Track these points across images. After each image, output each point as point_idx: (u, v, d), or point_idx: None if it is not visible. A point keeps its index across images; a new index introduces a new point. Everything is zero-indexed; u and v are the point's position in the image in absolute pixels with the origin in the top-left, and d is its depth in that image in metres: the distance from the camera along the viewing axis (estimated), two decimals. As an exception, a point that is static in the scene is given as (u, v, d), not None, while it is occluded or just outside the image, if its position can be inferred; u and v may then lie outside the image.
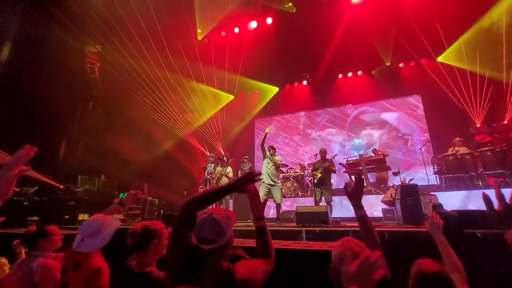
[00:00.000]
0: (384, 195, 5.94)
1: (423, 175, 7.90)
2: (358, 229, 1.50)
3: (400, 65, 10.54)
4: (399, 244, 3.05)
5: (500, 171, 5.83)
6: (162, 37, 8.66)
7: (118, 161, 8.21)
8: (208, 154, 9.61)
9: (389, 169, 7.58)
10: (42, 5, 6.85)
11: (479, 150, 6.28)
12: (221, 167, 6.28)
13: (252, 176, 1.45)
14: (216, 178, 6.08)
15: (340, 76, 11.52)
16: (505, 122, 7.48)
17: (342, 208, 6.85)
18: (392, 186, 5.84)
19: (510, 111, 7.56)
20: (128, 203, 2.61)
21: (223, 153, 9.79)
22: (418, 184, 5.02)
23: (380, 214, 5.87)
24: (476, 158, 6.21)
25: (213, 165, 8.33)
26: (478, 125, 7.73)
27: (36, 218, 5.67)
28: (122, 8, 7.34)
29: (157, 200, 8.59)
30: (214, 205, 6.01)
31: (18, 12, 7.13)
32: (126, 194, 7.59)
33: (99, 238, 1.95)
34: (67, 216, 5.91)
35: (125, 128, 8.86)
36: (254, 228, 1.49)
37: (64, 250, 2.16)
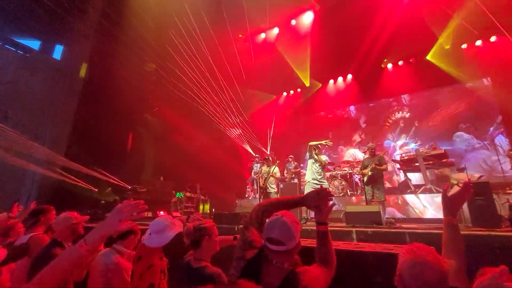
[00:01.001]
0: (447, 194, 5.33)
1: (497, 171, 6.85)
2: (443, 234, 1.35)
3: (463, 46, 9.26)
4: (467, 249, 2.74)
5: None
6: (205, 44, 9.21)
7: (174, 164, 9.05)
8: (254, 155, 9.87)
9: (453, 164, 6.77)
10: (110, 33, 7.97)
11: None
12: (267, 167, 6.41)
13: (325, 196, 1.45)
14: (263, 178, 6.23)
15: (389, 66, 10.64)
16: None
17: (407, 209, 6.35)
18: (457, 184, 5.22)
19: None
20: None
21: (268, 153, 9.95)
22: (491, 181, 4.40)
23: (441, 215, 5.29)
24: None
25: (259, 165, 8.56)
26: None
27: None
28: (170, 26, 8.10)
29: (209, 199, 9.18)
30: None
31: (92, 35, 8.45)
32: (182, 194, 8.25)
33: (163, 236, 2.21)
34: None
35: (179, 134, 9.69)
36: (316, 231, 1.46)
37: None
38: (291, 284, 1.14)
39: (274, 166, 6.34)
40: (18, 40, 9.18)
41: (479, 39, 8.85)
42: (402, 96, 10.55)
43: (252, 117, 12.17)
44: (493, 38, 8.54)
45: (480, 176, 6.28)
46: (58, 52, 9.71)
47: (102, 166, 7.69)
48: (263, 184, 6.20)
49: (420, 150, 7.02)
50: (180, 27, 8.18)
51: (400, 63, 10.46)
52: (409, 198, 6.35)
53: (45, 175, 6.89)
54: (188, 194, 8.90)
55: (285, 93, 12.96)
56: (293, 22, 10.14)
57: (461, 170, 6.60)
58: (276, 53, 10.28)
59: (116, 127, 8.37)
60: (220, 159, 10.86)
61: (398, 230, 3.69)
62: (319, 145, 5.68)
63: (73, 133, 7.71)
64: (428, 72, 9.59)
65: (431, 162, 6.79)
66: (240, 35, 10.64)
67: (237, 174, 11.23)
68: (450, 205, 1.36)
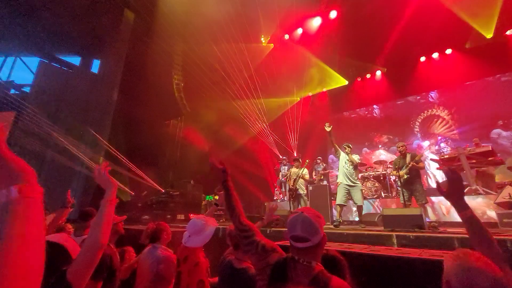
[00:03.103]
0: (497, 195, 4.88)
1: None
2: (467, 235, 1.23)
3: (508, 32, 8.44)
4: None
5: None
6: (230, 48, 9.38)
7: (203, 167, 9.31)
8: (281, 157, 9.80)
9: (502, 163, 6.15)
10: (140, 45, 8.51)
11: None
12: (296, 168, 6.33)
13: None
14: (292, 180, 6.16)
15: (422, 59, 10.01)
16: None
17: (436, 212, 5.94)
18: (510, 184, 4.74)
19: None
20: (222, 203, 2.99)
21: (295, 155, 9.82)
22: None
23: (492, 219, 4.89)
24: None
25: (286, 167, 8.48)
26: None
27: (147, 217, 6.94)
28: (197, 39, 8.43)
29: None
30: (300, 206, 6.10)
31: (125, 49, 9.06)
32: (211, 197, 8.46)
33: (202, 236, 2.30)
34: (169, 216, 7.04)
35: (207, 137, 9.96)
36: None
37: (174, 245, 2.61)
38: (320, 283, 1.10)
39: (303, 168, 6.24)
40: (61, 57, 10.12)
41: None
42: (430, 93, 9.86)
43: (278, 119, 12.11)
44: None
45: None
46: (95, 66, 10.56)
47: (139, 168, 8.14)
48: (292, 185, 6.12)
49: (463, 148, 6.47)
50: (205, 36, 8.46)
51: (435, 55, 9.80)
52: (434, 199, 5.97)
53: (88, 178, 7.47)
54: (217, 197, 9.06)
55: (310, 94, 12.75)
56: (318, 20, 9.96)
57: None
58: (301, 54, 10.17)
59: (150, 131, 8.83)
60: (246, 162, 10.95)
61: (444, 235, 3.41)
62: (350, 144, 5.50)
63: (111, 136, 8.30)
64: (469, 62, 8.89)
65: (474, 160, 6.23)
66: (262, 39, 10.69)
67: (262, 177, 11.23)
68: (452, 199, 1.25)
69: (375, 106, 11.27)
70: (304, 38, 10.23)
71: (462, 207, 1.22)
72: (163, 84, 8.97)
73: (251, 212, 9.26)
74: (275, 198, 9.40)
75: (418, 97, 10.18)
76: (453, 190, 1.24)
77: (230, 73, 9.47)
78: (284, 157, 9.26)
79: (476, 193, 5.78)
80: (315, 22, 10.02)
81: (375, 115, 11.27)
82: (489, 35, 8.41)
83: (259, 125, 11.16)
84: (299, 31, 10.39)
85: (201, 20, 8.51)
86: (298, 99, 12.57)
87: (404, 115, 10.38)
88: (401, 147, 5.56)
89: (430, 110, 9.81)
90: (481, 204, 5.47)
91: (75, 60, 10.66)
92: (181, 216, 7.08)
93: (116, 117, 8.77)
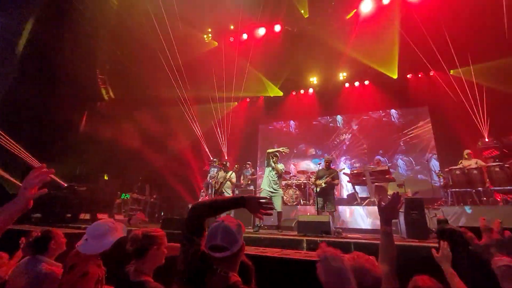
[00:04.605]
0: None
1: (428, 188, 7.79)
2: (379, 242, 1.48)
3: (408, 76, 10.47)
4: (403, 259, 2.95)
5: (509, 187, 5.68)
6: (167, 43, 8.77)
7: (122, 161, 8.28)
8: (212, 159, 9.59)
9: (393, 180, 7.48)
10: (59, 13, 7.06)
11: (487, 165, 6.15)
12: (224, 172, 6.26)
13: (267, 206, 1.43)
14: (219, 183, 6.06)
15: (347, 85, 11.46)
16: (514, 137, 7.31)
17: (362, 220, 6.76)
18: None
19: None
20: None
21: (226, 158, 9.77)
22: (423, 197, 4.92)
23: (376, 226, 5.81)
24: (484, 174, 6.07)
25: (215, 169, 8.31)
26: (487, 140, 7.58)
27: (38, 215, 5.70)
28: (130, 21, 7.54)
29: (157, 202, 8.60)
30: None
31: (34, 13, 7.37)
32: (128, 196, 7.56)
33: (102, 242, 1.91)
34: (69, 215, 5.91)
35: (130, 128, 8.96)
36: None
37: (68, 250, 2.14)
38: None
39: (231, 172, 6.22)
40: None
41: (420, 71, 10.12)
42: (336, 117, 11.51)
43: (211, 121, 11.86)
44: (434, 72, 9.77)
45: (416, 193, 7.02)
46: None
47: (38, 157, 6.67)
48: (218, 188, 6.03)
49: (367, 166, 7.59)
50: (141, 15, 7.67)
51: (357, 84, 11.33)
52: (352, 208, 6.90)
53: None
54: (135, 195, 8.23)
55: (248, 100, 13.00)
56: (263, 30, 10.32)
57: (400, 185, 7.32)
58: (243, 59, 10.29)
59: (58, 113, 7.32)
60: (173, 162, 10.32)
61: (344, 240, 3.86)
62: (277, 153, 5.74)
63: (2, 116, 6.57)
64: (378, 95, 10.62)
65: (374, 177, 7.40)
66: (205, 36, 10.43)
67: (190, 178, 10.78)
68: (384, 215, 1.49)
69: (294, 122, 12.31)
70: (247, 44, 10.43)
71: (386, 223, 1.46)
72: (82, 61, 7.64)
73: (173, 214, 8.74)
74: (200, 200, 9.09)
75: (330, 120, 11.65)
76: (390, 209, 1.48)
77: (166, 65, 8.80)
78: (214, 159, 9.07)
79: (374, 204, 6.82)
80: (260, 31, 10.36)
81: (294, 129, 12.30)
82: (394, 76, 10.24)
83: (190, 125, 10.71)
84: (244, 36, 10.55)
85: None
86: (236, 103, 12.63)
87: (327, 132, 11.63)
88: (326, 161, 6.18)
89: (341, 135, 11.38)
90: (376, 214, 6.44)
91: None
92: (85, 216, 6.07)
93: (12, 92, 7.00)
